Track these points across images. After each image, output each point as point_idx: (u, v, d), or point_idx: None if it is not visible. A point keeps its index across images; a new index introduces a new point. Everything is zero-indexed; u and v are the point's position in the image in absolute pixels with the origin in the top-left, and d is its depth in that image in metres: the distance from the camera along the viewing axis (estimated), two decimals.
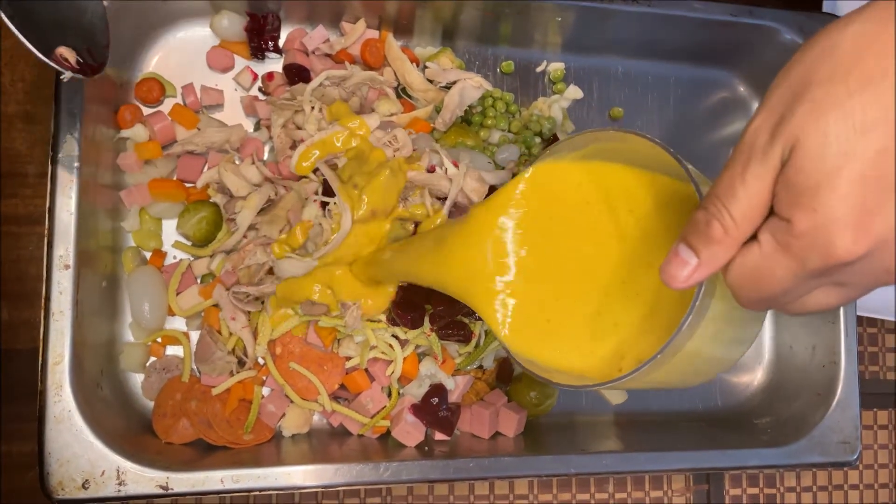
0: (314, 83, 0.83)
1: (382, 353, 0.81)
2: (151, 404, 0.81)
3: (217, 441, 0.80)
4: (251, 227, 0.81)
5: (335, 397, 0.84)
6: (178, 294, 0.82)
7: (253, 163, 0.82)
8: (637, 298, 0.61)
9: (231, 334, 0.80)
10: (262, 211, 0.81)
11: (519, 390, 0.87)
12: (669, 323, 0.53)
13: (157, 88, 0.84)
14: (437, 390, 0.83)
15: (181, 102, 0.86)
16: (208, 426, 0.79)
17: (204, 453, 0.79)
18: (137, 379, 0.82)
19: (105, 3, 0.72)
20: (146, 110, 0.85)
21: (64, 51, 0.61)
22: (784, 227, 0.40)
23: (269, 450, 0.81)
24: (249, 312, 0.80)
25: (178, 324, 0.84)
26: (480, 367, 0.88)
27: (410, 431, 0.82)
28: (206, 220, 0.81)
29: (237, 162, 0.83)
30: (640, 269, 0.61)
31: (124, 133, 0.82)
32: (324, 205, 0.80)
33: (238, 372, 0.81)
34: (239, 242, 0.81)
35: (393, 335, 0.81)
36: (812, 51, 0.42)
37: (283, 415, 0.82)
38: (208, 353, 0.79)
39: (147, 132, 0.83)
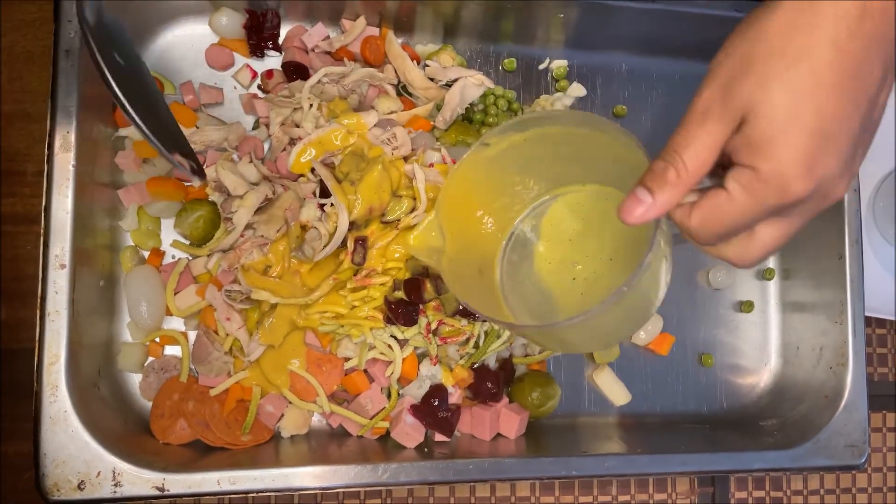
0: (312, 80, 0.82)
1: (381, 353, 0.81)
2: (149, 405, 0.81)
3: (215, 442, 0.79)
4: (248, 227, 0.80)
5: (334, 398, 0.83)
6: (175, 294, 0.81)
7: (251, 161, 0.81)
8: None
9: (227, 335, 0.79)
10: (259, 210, 0.80)
11: (520, 391, 0.86)
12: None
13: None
14: (437, 391, 0.82)
15: (180, 100, 0.85)
16: (206, 427, 0.79)
17: (201, 454, 0.78)
18: (135, 379, 0.81)
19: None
20: None
21: (179, 157, 0.68)
22: (749, 174, 0.50)
23: (268, 451, 0.80)
24: (244, 311, 0.80)
25: (176, 323, 0.83)
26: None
27: (410, 433, 0.81)
28: (203, 218, 0.80)
29: (235, 160, 0.82)
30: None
31: (122, 132, 0.82)
32: (322, 206, 0.79)
33: (236, 372, 0.80)
34: (236, 242, 0.80)
35: (391, 335, 0.81)
36: (747, 33, 0.51)
37: (282, 416, 0.82)
38: (205, 353, 0.79)
39: None
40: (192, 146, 0.82)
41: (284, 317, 0.79)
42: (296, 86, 0.83)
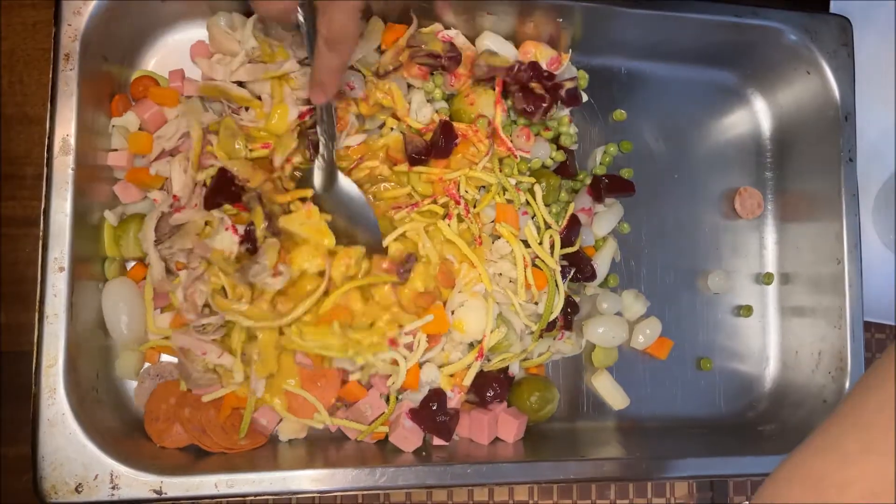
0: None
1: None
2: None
3: (212, 447, 0.79)
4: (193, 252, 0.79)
5: (333, 403, 0.83)
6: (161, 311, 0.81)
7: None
8: None
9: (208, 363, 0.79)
10: (171, 235, 0.80)
11: (519, 395, 0.86)
12: None
13: (152, 87, 0.83)
14: (436, 395, 0.82)
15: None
16: (203, 433, 0.79)
17: (199, 457, 0.78)
18: (133, 382, 0.81)
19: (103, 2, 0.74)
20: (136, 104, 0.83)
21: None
22: None
23: (266, 454, 0.80)
24: (222, 339, 0.79)
25: None
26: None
27: (408, 437, 0.81)
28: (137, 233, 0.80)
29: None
30: None
31: (116, 121, 0.81)
32: (248, 234, 0.78)
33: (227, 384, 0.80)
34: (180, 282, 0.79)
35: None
36: None
37: (280, 420, 0.82)
38: (186, 373, 0.78)
39: (138, 120, 0.82)
40: (165, 143, 0.82)
41: (269, 343, 0.78)
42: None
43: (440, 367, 0.83)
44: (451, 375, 0.83)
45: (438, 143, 0.84)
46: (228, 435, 0.79)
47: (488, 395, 0.84)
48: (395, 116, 0.85)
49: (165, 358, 0.82)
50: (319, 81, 0.71)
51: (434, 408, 0.82)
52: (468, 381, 0.83)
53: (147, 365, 0.81)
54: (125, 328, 0.79)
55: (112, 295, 0.79)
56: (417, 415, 0.82)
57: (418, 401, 0.83)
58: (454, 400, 0.84)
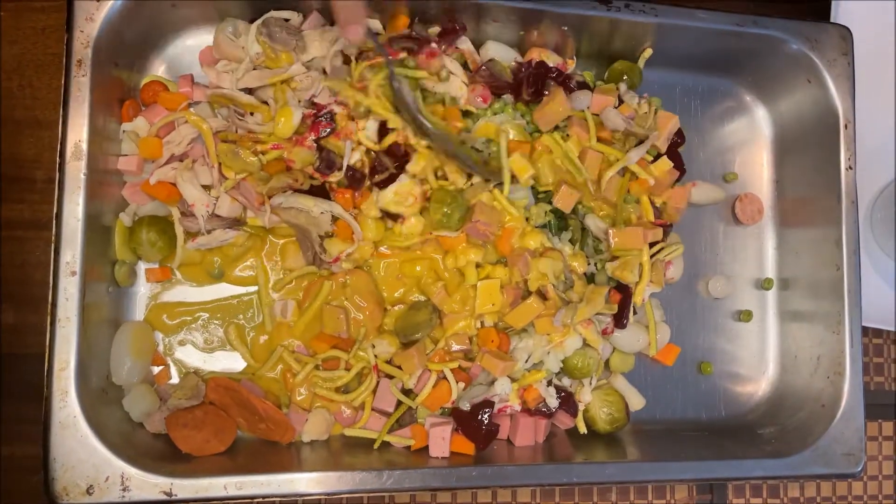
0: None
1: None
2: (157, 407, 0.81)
3: (269, 434, 0.82)
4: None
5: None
6: None
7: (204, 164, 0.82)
8: None
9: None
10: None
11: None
12: None
13: (161, 92, 0.84)
14: (486, 405, 0.84)
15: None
16: (259, 419, 0.81)
17: (208, 460, 0.79)
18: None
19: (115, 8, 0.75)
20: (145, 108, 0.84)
21: None
22: None
23: (280, 454, 0.82)
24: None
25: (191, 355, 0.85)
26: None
27: (441, 444, 0.83)
28: (154, 242, 0.81)
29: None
30: None
31: (126, 126, 0.82)
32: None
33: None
34: None
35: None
36: None
37: (306, 420, 0.84)
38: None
39: (147, 126, 0.83)
40: (174, 149, 0.82)
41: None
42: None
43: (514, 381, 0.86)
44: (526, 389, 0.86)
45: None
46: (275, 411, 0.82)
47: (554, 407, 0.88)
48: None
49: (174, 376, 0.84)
50: (346, 21, 0.73)
51: (481, 417, 0.84)
52: (552, 402, 0.87)
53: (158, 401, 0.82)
54: (125, 373, 0.79)
55: (125, 337, 0.80)
56: (465, 422, 0.84)
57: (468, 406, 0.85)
58: (513, 408, 0.86)
